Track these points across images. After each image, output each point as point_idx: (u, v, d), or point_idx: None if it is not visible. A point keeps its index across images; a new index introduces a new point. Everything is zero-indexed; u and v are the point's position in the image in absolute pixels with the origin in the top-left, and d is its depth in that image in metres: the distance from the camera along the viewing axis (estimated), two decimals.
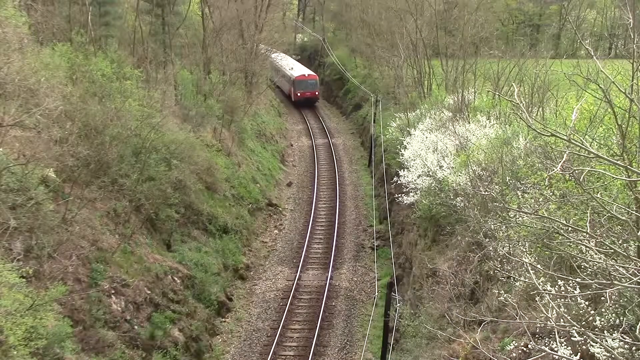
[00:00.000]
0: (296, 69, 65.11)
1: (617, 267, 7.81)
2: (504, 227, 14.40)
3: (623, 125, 8.58)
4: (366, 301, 26.40)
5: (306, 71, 64.61)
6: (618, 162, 8.24)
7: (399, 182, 25.72)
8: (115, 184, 20.83)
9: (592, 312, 9.92)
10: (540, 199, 13.28)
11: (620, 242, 9.44)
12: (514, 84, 19.49)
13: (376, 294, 26.36)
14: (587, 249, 9.06)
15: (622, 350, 8.49)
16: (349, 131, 54.69)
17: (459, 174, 20.33)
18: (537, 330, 10.93)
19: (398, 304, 20.75)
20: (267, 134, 47.59)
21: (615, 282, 7.62)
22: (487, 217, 15.39)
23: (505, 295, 11.95)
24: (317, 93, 63.47)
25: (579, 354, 9.01)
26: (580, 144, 7.55)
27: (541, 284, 9.71)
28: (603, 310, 9.75)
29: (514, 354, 11.10)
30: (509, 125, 22.28)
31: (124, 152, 21.25)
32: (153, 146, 22.77)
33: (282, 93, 68.82)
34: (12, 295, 12.22)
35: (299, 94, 62.39)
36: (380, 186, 37.52)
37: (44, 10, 26.25)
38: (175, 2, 35.64)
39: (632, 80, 8.07)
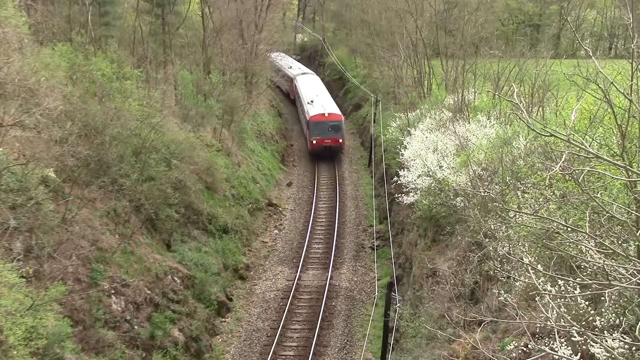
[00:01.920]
0: (316, 103, 47.25)
1: (617, 267, 7.81)
2: (504, 227, 14.40)
3: (623, 126, 8.58)
4: (366, 301, 26.40)
5: (327, 108, 46.13)
6: (617, 162, 8.24)
7: (399, 182, 25.72)
8: (115, 184, 20.82)
9: (592, 312, 9.92)
10: (540, 199, 13.28)
11: (619, 242, 9.44)
12: (514, 84, 19.52)
13: (376, 294, 26.36)
14: (587, 249, 9.06)
15: (622, 350, 8.49)
16: (349, 131, 54.65)
17: (459, 174, 20.34)
18: (537, 330, 10.94)
19: (398, 304, 20.75)
20: (267, 134, 47.59)
21: (615, 282, 7.62)
22: (487, 217, 15.39)
23: (505, 295, 11.96)
24: (341, 140, 44.71)
25: (579, 354, 9.01)
26: (579, 144, 7.55)
27: (541, 284, 9.71)
28: (603, 310, 9.75)
29: (514, 354, 11.10)
30: (509, 125, 22.28)
31: (124, 152, 21.24)
32: (153, 146, 22.77)
33: (302, 132, 52.49)
34: (12, 295, 12.23)
35: (314, 142, 44.28)
36: (380, 186, 37.52)
37: (44, 10, 26.26)
38: (175, 2, 35.65)
39: (632, 81, 8.07)
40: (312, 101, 47.81)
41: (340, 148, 45.31)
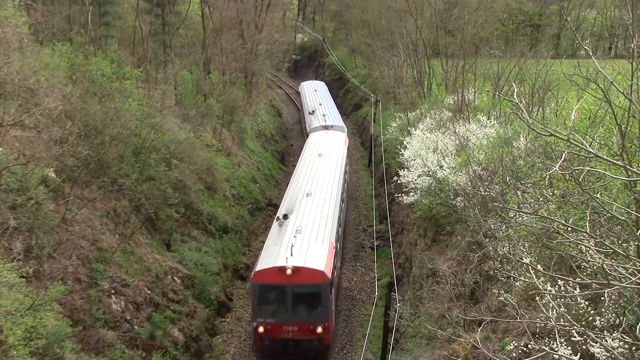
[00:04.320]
0: (286, 231, 21.81)
1: (617, 267, 7.81)
2: (504, 227, 14.40)
3: (622, 125, 8.58)
4: (366, 301, 26.39)
5: (300, 252, 20.03)
6: (617, 162, 8.24)
7: (399, 182, 25.72)
8: (115, 184, 20.84)
9: (592, 312, 9.92)
10: (540, 199, 13.28)
11: (619, 242, 9.44)
12: (514, 83, 19.50)
13: (376, 294, 26.35)
14: (587, 249, 9.06)
15: (622, 350, 8.49)
16: (349, 131, 54.62)
17: (459, 173, 20.34)
18: (537, 330, 10.94)
19: (398, 304, 20.74)
20: (267, 134, 47.60)
21: (615, 282, 7.62)
22: (487, 217, 15.39)
23: (505, 295, 11.95)
24: (320, 329, 19.51)
25: (579, 354, 9.01)
26: (579, 144, 7.54)
27: (541, 283, 9.71)
28: (603, 310, 9.75)
29: (514, 354, 11.09)
30: (510, 125, 22.28)
31: (124, 152, 21.25)
32: (153, 146, 22.77)
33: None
34: (12, 295, 12.22)
35: (261, 330, 19.56)
36: (380, 186, 37.52)
37: (44, 10, 26.27)
38: (175, 2, 35.67)
39: (632, 80, 8.07)
40: (285, 215, 22.79)
41: (319, 345, 20.10)
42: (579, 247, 9.69)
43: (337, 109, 46.15)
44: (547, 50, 31.60)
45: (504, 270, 12.33)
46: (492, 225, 14.79)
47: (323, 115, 41.60)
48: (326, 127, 38.15)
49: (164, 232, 23.79)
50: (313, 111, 43.54)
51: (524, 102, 22.08)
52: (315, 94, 49.70)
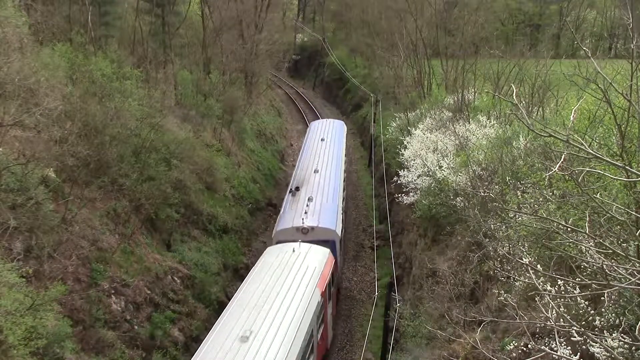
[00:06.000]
0: None
1: (617, 268, 7.82)
2: (503, 227, 14.40)
3: (622, 125, 8.59)
4: (366, 301, 26.39)
5: None
6: (617, 162, 8.24)
7: (399, 182, 25.72)
8: (115, 184, 20.82)
9: (592, 312, 9.92)
10: (540, 199, 13.28)
11: (619, 242, 9.45)
12: (513, 84, 19.51)
13: (376, 293, 26.36)
14: (587, 249, 9.07)
15: (622, 350, 8.50)
16: (349, 131, 54.56)
17: (459, 174, 20.34)
18: (537, 330, 10.94)
19: (398, 304, 20.74)
20: (267, 134, 47.60)
21: (614, 282, 7.63)
22: (487, 217, 15.39)
23: (505, 295, 11.94)
24: None
25: (579, 354, 9.01)
26: (579, 144, 7.55)
27: (541, 284, 9.71)
28: (603, 310, 9.75)
29: (514, 354, 11.09)
30: (509, 125, 22.29)
31: (124, 152, 21.24)
32: (153, 146, 22.77)
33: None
34: (12, 295, 12.23)
35: None
36: (380, 186, 37.53)
37: (44, 10, 26.25)
38: (175, 2, 35.66)
39: (631, 81, 8.07)
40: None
41: None
42: (578, 247, 9.69)
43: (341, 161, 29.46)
44: (547, 50, 31.57)
45: (503, 270, 12.33)
46: (492, 226, 14.79)
47: (307, 200, 24.31)
48: (303, 231, 21.99)
49: (164, 232, 23.79)
50: (297, 189, 26.16)
51: (523, 102, 22.11)
52: (318, 147, 31.43)
